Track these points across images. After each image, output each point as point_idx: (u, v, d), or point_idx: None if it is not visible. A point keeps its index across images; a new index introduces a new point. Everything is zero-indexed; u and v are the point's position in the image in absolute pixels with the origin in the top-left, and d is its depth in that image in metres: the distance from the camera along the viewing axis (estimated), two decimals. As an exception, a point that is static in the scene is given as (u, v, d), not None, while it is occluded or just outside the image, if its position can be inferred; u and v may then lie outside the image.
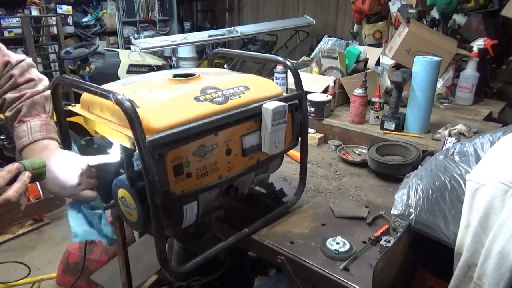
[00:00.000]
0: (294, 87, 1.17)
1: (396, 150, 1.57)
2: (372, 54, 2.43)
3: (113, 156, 1.01)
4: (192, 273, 1.61)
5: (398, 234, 1.06)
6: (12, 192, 0.77)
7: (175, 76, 1.02)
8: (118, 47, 5.44)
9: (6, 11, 4.63)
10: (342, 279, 0.96)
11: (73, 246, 2.28)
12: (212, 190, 1.02)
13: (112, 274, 1.90)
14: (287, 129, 1.07)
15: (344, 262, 1.00)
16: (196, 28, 6.65)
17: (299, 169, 1.25)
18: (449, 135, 1.55)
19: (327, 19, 5.60)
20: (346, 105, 2.06)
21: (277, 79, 2.06)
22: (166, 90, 0.95)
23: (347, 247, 1.06)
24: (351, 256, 1.03)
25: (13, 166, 0.80)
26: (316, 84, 2.03)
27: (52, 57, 4.84)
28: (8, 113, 1.03)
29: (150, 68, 3.98)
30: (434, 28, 2.40)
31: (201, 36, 4.55)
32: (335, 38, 2.86)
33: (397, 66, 2.22)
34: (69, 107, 1.05)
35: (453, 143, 1.39)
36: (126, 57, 4.01)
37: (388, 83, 2.15)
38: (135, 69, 3.98)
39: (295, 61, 2.34)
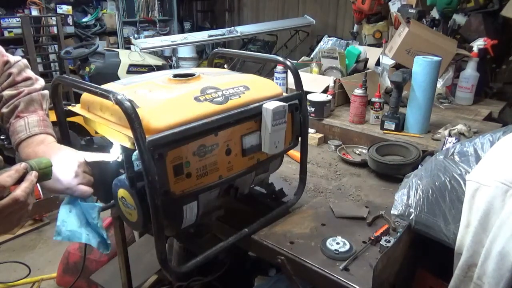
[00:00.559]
0: (294, 87, 1.17)
1: (396, 150, 1.57)
2: (372, 54, 2.43)
3: (111, 155, 1.00)
4: (192, 273, 1.61)
5: (398, 234, 1.06)
6: (20, 191, 0.77)
7: (175, 76, 1.02)
8: (118, 47, 5.44)
9: (6, 11, 4.63)
10: (342, 279, 0.96)
11: (73, 246, 2.28)
12: (212, 190, 1.02)
13: (112, 274, 1.90)
14: (287, 129, 1.07)
15: (344, 262, 1.00)
16: (196, 28, 6.65)
17: (299, 169, 1.25)
18: (449, 135, 1.55)
19: (327, 19, 5.60)
20: (346, 105, 2.06)
21: (277, 79, 2.06)
22: (166, 90, 0.95)
23: (347, 247, 1.06)
24: (351, 256, 1.03)
25: (20, 166, 0.81)
26: (316, 84, 2.03)
27: (52, 57, 4.84)
28: (4, 110, 1.04)
29: (150, 68, 3.98)
30: (434, 28, 2.40)
31: (201, 36, 4.55)
32: (335, 38, 2.86)
33: (397, 66, 2.22)
34: (69, 107, 1.05)
35: (453, 143, 1.39)
36: (126, 57, 4.01)
37: (388, 83, 2.15)
38: (135, 69, 3.98)
39: (295, 61, 2.34)
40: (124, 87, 0.99)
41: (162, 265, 0.90)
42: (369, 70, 2.25)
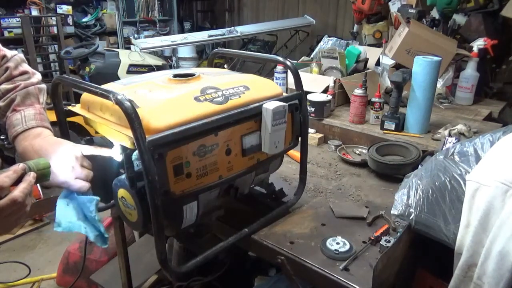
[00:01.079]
0: (294, 87, 1.17)
1: (396, 150, 1.57)
2: (372, 54, 2.43)
3: (108, 150, 0.99)
4: (192, 273, 1.61)
5: (398, 234, 1.06)
6: (18, 192, 0.77)
7: (175, 76, 1.02)
8: (118, 47, 5.44)
9: (6, 11, 4.63)
10: (342, 279, 0.96)
11: (73, 246, 2.28)
12: (212, 190, 1.02)
13: (112, 274, 1.90)
14: (287, 129, 1.07)
15: (344, 262, 1.00)
16: (196, 28, 6.65)
17: (299, 169, 1.25)
18: (449, 135, 1.55)
19: (327, 19, 5.60)
20: (346, 105, 2.06)
21: (277, 79, 2.06)
22: (166, 90, 0.95)
23: (347, 247, 1.06)
24: (351, 256, 1.03)
25: (18, 167, 0.80)
26: (316, 84, 2.03)
27: (52, 57, 4.84)
28: (1, 103, 1.04)
29: (150, 68, 3.98)
30: (434, 28, 2.40)
31: (201, 36, 4.55)
32: (335, 38, 2.86)
33: (397, 66, 2.22)
34: (69, 107, 1.05)
35: (453, 143, 1.39)
36: (126, 57, 4.01)
37: (388, 83, 2.15)
38: (135, 69, 3.98)
39: (295, 61, 2.34)
40: (124, 87, 0.99)
41: (162, 265, 0.90)
42: (369, 70, 2.25)
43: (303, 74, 1.80)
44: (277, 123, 1.02)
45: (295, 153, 1.56)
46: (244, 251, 1.52)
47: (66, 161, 0.91)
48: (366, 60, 2.38)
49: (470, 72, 2.13)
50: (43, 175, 0.85)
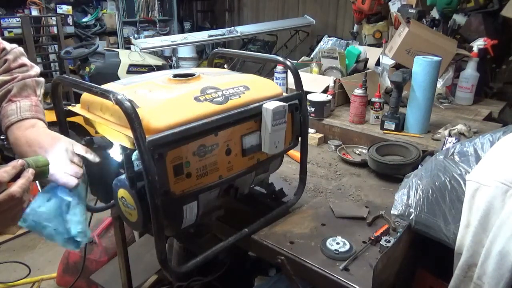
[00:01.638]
0: (294, 87, 1.17)
1: (396, 150, 1.57)
2: (372, 54, 2.43)
3: (95, 157, 0.97)
4: (192, 273, 1.61)
5: (398, 234, 1.06)
6: (16, 187, 0.77)
7: (175, 76, 1.02)
8: (118, 47, 5.43)
9: (6, 11, 4.63)
10: (342, 279, 0.96)
11: (73, 246, 2.28)
12: (212, 190, 1.02)
13: (112, 274, 1.90)
14: (287, 129, 1.07)
15: (344, 262, 1.00)
16: (196, 28, 6.64)
17: (299, 169, 1.25)
18: (449, 135, 1.55)
19: (327, 19, 5.60)
20: (346, 105, 2.06)
21: (277, 79, 2.06)
22: (166, 90, 0.95)
23: (347, 247, 1.06)
24: (351, 256, 1.03)
25: (17, 163, 0.80)
26: (316, 84, 2.03)
27: (52, 57, 4.84)
28: None
29: (150, 68, 3.98)
30: (434, 28, 2.40)
31: (201, 36, 4.54)
32: (335, 38, 2.86)
33: (397, 66, 2.22)
34: (69, 107, 1.05)
35: (453, 143, 1.39)
36: (126, 57, 4.01)
37: (388, 83, 2.15)
38: (135, 69, 3.97)
39: (295, 61, 2.34)
40: (124, 87, 0.99)
41: (162, 265, 0.90)
42: (369, 70, 2.25)
43: (303, 74, 1.80)
44: (277, 123, 1.02)
45: (295, 153, 1.56)
46: (244, 251, 1.52)
47: (56, 154, 0.90)
48: (366, 60, 2.38)
49: (470, 72, 2.13)
50: (42, 172, 0.84)
